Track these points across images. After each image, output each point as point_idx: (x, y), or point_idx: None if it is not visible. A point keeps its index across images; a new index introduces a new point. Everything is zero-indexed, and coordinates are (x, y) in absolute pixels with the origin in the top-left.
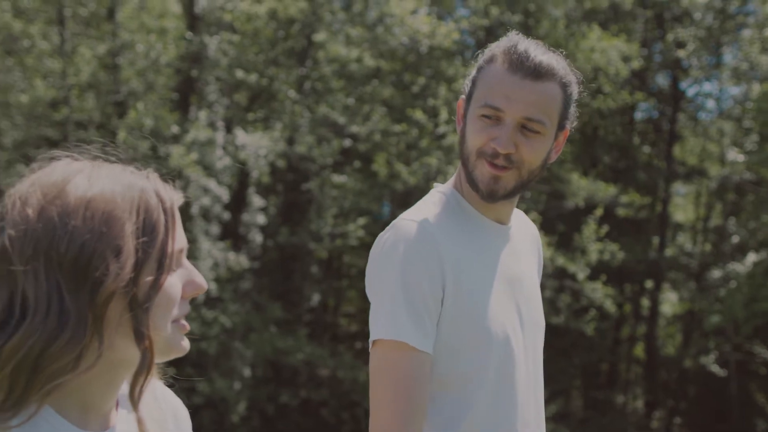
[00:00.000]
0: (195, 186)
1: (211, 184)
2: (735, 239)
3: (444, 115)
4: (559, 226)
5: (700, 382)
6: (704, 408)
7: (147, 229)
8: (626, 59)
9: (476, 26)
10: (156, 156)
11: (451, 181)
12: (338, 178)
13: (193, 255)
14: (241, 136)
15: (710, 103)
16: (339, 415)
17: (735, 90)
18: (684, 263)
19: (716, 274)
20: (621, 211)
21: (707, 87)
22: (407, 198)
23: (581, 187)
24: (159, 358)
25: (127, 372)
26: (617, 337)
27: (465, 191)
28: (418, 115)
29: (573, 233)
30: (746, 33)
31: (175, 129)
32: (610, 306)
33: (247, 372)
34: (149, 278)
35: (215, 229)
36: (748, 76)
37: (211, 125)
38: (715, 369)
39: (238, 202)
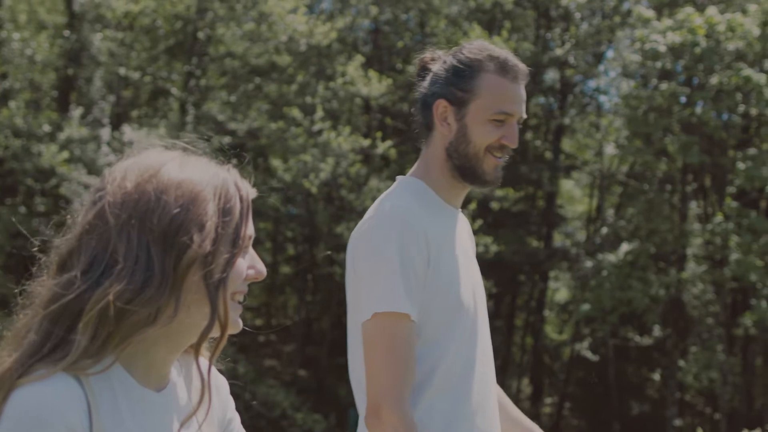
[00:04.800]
0: (75, 183)
1: (93, 181)
2: (604, 230)
3: (320, 112)
4: None
5: (586, 368)
6: (589, 393)
7: (226, 212)
8: None
9: (358, 25)
10: (29, 154)
11: (414, 172)
12: None
13: None
14: (128, 132)
15: (593, 99)
16: None
17: (614, 86)
18: (573, 254)
19: (589, 264)
20: (495, 205)
21: (591, 84)
22: (286, 194)
23: None
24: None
25: (189, 339)
26: (511, 326)
27: (432, 180)
28: (295, 112)
29: None
30: (620, 34)
31: (51, 127)
32: None
33: None
34: (226, 255)
35: None
36: (622, 74)
37: (96, 122)
38: (589, 355)
39: None
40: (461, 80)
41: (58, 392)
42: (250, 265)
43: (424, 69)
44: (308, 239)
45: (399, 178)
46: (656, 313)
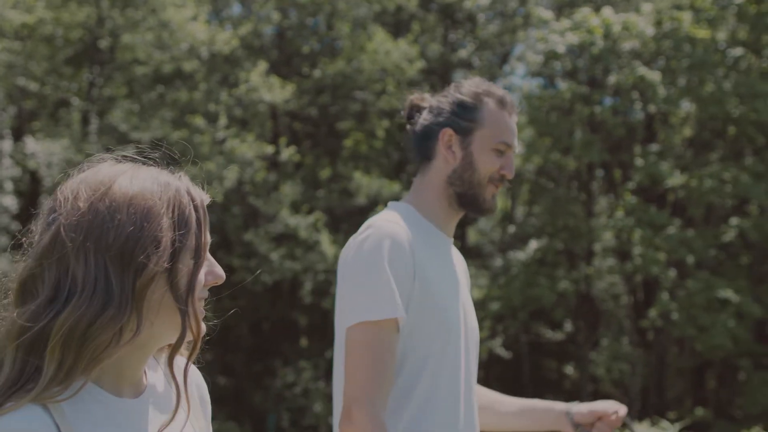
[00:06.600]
0: None
1: None
2: (512, 229)
3: (224, 120)
4: (344, 224)
5: (503, 365)
6: (507, 390)
7: (181, 224)
8: (410, 60)
9: (260, 31)
10: None
11: (406, 200)
12: None
13: None
14: (30, 144)
15: None
16: None
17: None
18: (486, 251)
19: (499, 262)
20: None
21: (499, 84)
22: None
23: (364, 184)
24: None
25: (156, 347)
26: None
27: (425, 207)
28: (198, 120)
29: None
30: (522, 35)
31: None
32: None
33: None
34: (187, 266)
35: (4, 240)
36: (528, 74)
37: None
38: (502, 352)
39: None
40: (466, 111)
41: (26, 423)
42: (208, 270)
43: (413, 108)
44: (221, 247)
45: (390, 203)
46: (565, 308)
